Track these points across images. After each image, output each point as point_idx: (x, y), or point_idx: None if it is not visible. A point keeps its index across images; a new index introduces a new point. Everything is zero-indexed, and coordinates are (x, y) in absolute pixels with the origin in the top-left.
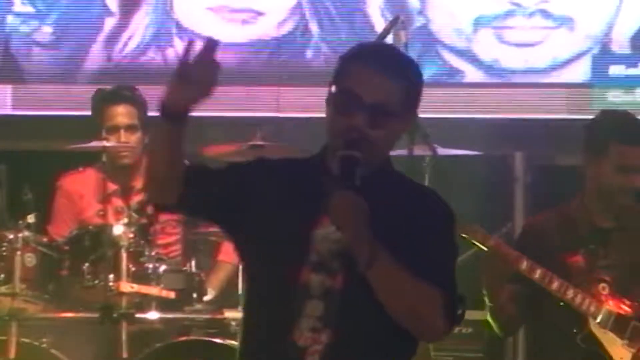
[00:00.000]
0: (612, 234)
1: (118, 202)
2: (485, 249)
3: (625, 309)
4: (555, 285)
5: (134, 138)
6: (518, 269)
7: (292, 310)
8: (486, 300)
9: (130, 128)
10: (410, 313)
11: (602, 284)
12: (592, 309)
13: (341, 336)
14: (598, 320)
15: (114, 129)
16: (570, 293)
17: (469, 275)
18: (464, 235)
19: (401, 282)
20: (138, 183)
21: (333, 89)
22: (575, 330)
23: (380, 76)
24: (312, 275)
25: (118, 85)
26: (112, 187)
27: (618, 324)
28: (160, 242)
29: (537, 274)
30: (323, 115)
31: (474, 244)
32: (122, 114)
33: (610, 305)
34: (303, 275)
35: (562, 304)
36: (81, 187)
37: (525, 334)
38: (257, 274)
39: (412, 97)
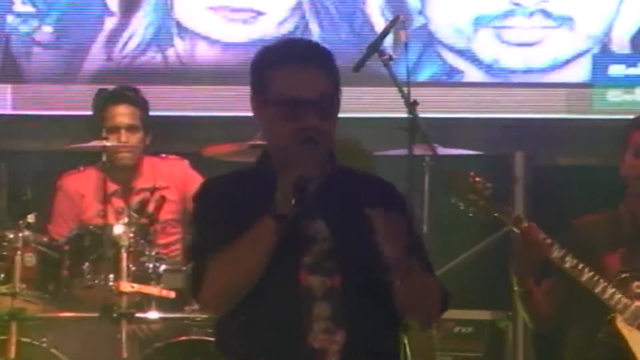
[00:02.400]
0: None
1: (119, 202)
2: (517, 231)
3: None
4: (585, 277)
5: (134, 138)
6: (549, 257)
7: (301, 315)
8: (514, 284)
9: (131, 128)
10: (422, 308)
11: (637, 283)
12: (621, 304)
13: (355, 333)
14: (625, 316)
15: (115, 129)
16: (599, 286)
17: (475, 274)
18: (496, 215)
19: (423, 285)
20: (138, 183)
21: (263, 99)
22: (602, 325)
23: (309, 69)
24: (311, 278)
25: (120, 86)
26: (112, 187)
27: None
28: (160, 242)
29: (568, 264)
30: None
31: (507, 224)
32: (123, 114)
33: None
34: (302, 279)
35: (591, 298)
36: (82, 187)
37: (524, 332)
38: (257, 284)
39: (337, 79)
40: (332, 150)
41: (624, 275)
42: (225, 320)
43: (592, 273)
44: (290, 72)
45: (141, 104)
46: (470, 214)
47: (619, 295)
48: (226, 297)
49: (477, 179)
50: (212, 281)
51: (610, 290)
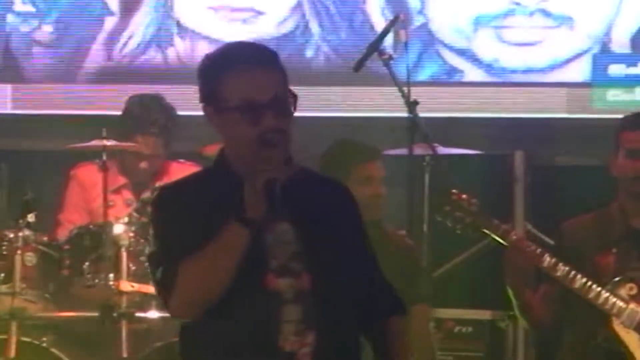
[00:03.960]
0: None
1: (128, 194)
2: (506, 244)
3: None
4: (577, 283)
5: (156, 162)
6: (540, 266)
7: (270, 318)
8: (511, 297)
9: (152, 156)
10: None
11: (630, 285)
12: (616, 308)
13: (325, 334)
14: (621, 319)
15: (138, 155)
16: (593, 292)
17: (475, 274)
18: (485, 230)
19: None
20: (151, 181)
21: (217, 106)
22: (599, 328)
23: (260, 71)
24: (279, 281)
25: (151, 109)
26: (124, 180)
27: None
28: None
29: (559, 271)
30: (322, 114)
31: (495, 239)
32: (149, 146)
33: (636, 306)
34: (270, 283)
35: (587, 302)
36: (95, 176)
37: (524, 332)
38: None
39: (286, 78)
40: (289, 152)
41: (617, 278)
42: (191, 327)
43: (584, 279)
44: (243, 76)
45: (169, 130)
46: (458, 231)
47: (614, 300)
48: (198, 303)
49: (463, 195)
50: (183, 288)
51: (604, 295)
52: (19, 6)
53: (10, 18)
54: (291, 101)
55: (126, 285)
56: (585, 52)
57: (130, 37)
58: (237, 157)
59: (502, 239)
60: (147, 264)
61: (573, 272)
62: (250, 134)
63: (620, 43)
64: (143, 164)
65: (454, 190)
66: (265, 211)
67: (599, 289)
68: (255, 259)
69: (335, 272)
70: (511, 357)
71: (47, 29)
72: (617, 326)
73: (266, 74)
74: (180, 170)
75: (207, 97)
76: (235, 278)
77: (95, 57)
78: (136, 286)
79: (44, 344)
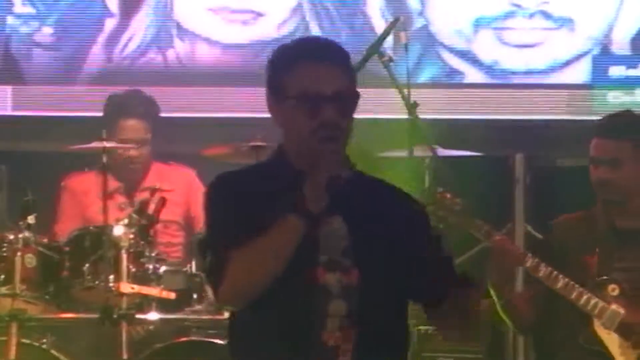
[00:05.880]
0: (630, 236)
1: (121, 198)
2: (489, 244)
3: (633, 311)
4: (559, 284)
5: (144, 150)
6: (523, 266)
7: (316, 312)
8: (494, 296)
9: (140, 142)
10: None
11: (613, 286)
12: (597, 309)
13: (369, 331)
14: (602, 320)
15: (125, 142)
16: (574, 293)
17: (475, 275)
18: (470, 231)
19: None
20: (143, 182)
21: (281, 96)
22: (579, 330)
23: (328, 66)
24: (328, 275)
25: (131, 96)
26: (116, 184)
27: (624, 326)
28: (163, 240)
29: (542, 272)
30: None
31: (479, 239)
32: (133, 129)
33: (617, 307)
34: (319, 277)
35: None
36: (86, 185)
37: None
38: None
39: (354, 79)
40: (346, 152)
41: (600, 278)
42: (239, 317)
43: (566, 280)
44: (310, 69)
45: (153, 116)
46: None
47: (595, 300)
48: (245, 292)
49: (447, 195)
50: (233, 276)
51: (586, 296)
52: (19, 8)
53: (10, 20)
54: (354, 102)
55: (126, 287)
56: (586, 53)
57: (130, 39)
58: (295, 151)
59: (485, 239)
60: (147, 265)
61: (555, 273)
62: (307, 126)
63: (621, 45)
64: (132, 151)
65: (439, 189)
66: (324, 206)
67: (581, 289)
68: (306, 253)
69: (384, 270)
70: (511, 358)
71: (47, 30)
72: (598, 327)
73: (331, 69)
74: (162, 169)
75: (272, 87)
76: (285, 270)
77: (95, 58)
78: (136, 288)
79: (44, 346)
